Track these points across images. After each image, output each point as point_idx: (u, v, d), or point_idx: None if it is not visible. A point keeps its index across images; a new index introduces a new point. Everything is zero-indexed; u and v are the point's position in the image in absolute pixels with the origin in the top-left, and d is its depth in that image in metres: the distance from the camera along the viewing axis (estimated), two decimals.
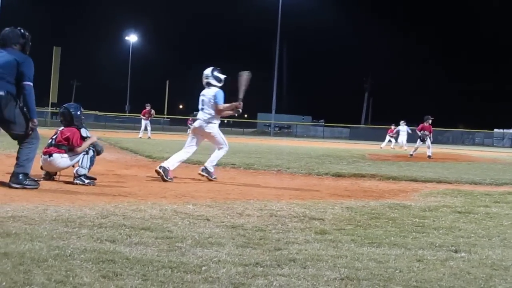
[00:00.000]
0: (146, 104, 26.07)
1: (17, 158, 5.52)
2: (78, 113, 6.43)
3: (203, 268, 2.76)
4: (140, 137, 24.29)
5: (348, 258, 3.15)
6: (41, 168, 6.33)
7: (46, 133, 8.68)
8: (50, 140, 6.34)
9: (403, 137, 25.85)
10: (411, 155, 17.03)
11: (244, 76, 7.50)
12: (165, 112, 63.67)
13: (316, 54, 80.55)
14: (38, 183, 5.58)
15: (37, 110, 5.69)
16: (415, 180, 8.46)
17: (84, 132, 6.30)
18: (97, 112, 58.68)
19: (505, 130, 54.05)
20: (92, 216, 4.05)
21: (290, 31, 66.94)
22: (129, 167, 9.08)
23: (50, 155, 6.13)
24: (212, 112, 7.26)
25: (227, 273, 2.69)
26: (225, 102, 7.38)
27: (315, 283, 2.63)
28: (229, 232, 3.76)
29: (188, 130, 18.41)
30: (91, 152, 6.29)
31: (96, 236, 3.37)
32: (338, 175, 8.87)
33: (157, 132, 33.25)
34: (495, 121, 55.81)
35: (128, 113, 61.84)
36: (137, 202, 4.96)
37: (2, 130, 5.63)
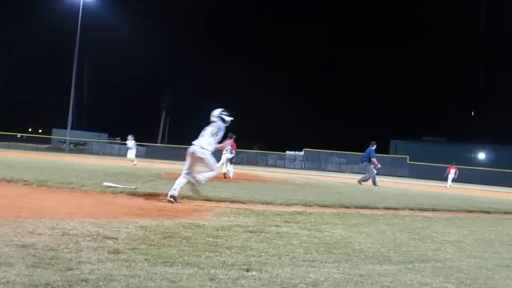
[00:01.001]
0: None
1: None
2: None
3: None
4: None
5: (141, 278, 3.21)
6: None
7: None
8: None
9: (131, 152, 27.83)
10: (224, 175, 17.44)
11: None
12: None
13: (115, 70, 78.82)
14: None
15: None
16: (209, 199, 8.80)
17: None
18: None
19: (296, 152, 60.56)
20: None
21: (91, 46, 64.73)
22: None
23: None
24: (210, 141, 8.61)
25: None
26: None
27: None
28: (19, 251, 3.71)
29: None
30: None
31: None
32: (133, 194, 8.84)
33: None
34: (288, 143, 62.13)
35: None
36: None
37: None
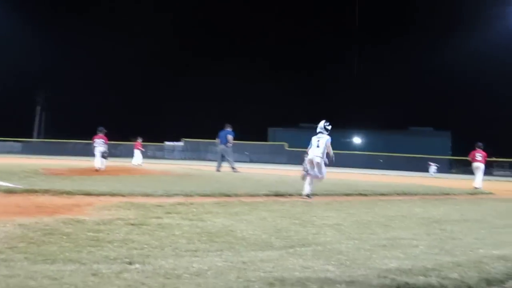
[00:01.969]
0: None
1: None
2: None
3: None
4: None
5: (22, 277, 3.14)
6: None
7: None
8: None
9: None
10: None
11: None
12: None
13: None
14: None
15: None
16: (89, 194, 8.58)
17: None
18: None
19: (175, 142, 60.17)
20: None
21: None
22: None
23: None
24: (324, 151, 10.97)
25: None
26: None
27: None
28: None
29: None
30: None
31: None
32: (10, 191, 8.37)
33: None
34: (165, 134, 61.51)
35: None
36: None
37: None
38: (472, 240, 5.83)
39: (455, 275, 3.89)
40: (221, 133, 21.17)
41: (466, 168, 59.31)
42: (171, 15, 79.43)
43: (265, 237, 5.30)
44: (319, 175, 10.91)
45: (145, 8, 76.21)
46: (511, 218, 8.57)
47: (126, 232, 5.04)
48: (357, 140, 74.64)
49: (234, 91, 75.43)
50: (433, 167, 44.78)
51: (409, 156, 56.37)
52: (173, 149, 59.66)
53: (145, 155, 57.44)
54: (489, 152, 19.21)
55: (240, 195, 9.82)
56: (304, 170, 11.13)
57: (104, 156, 18.55)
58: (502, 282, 3.89)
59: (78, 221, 5.54)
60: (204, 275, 3.54)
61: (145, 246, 4.42)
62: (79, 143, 53.24)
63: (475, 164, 18.85)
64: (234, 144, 21.73)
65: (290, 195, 10.64)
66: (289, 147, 59.29)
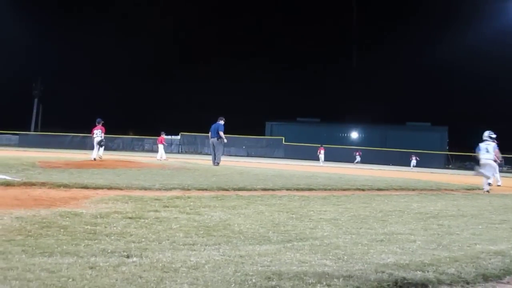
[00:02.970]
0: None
1: None
2: None
3: None
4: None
5: (20, 270, 3.14)
6: None
7: None
8: None
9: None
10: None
11: None
12: None
13: None
14: None
15: None
16: (86, 187, 8.59)
17: None
18: None
19: (173, 136, 60.20)
20: None
21: None
22: None
23: None
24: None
25: None
26: None
27: None
28: None
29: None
30: None
31: None
32: (7, 184, 8.38)
33: None
34: (163, 128, 61.56)
35: None
36: None
37: None
38: (469, 235, 5.84)
39: (452, 270, 3.89)
40: (213, 126, 20.92)
41: (463, 164, 59.67)
42: (171, 11, 79.36)
43: (263, 231, 5.30)
44: (489, 174, 14.33)
45: (145, 6, 76.05)
46: (508, 213, 8.59)
47: (123, 226, 5.03)
48: (354, 134, 74.66)
49: (232, 85, 75.45)
50: (413, 161, 46.55)
51: (388, 150, 56.76)
52: (170, 143, 59.75)
53: (142, 149, 57.64)
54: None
55: (238, 189, 9.82)
56: (479, 171, 14.47)
57: (100, 144, 18.63)
58: (499, 277, 3.90)
59: (76, 214, 5.54)
60: (202, 269, 3.54)
61: (143, 239, 4.42)
62: (76, 136, 53.26)
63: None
64: (230, 138, 21.58)
65: (288, 189, 10.60)
66: (286, 141, 59.35)
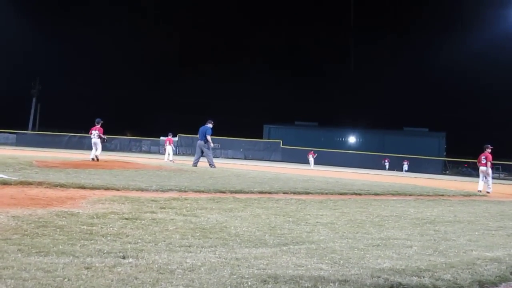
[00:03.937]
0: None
1: None
2: None
3: None
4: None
5: (15, 269, 3.14)
6: None
7: None
8: None
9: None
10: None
11: None
12: None
13: None
14: None
15: None
16: (83, 187, 8.55)
17: None
18: None
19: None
20: None
21: None
22: None
23: None
24: None
25: None
26: None
27: None
28: None
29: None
30: None
31: None
32: (4, 183, 8.36)
33: None
34: (161, 129, 61.57)
35: None
36: None
37: None
38: (465, 241, 5.85)
39: (448, 276, 3.90)
40: (201, 129, 20.63)
41: (459, 170, 59.80)
42: (170, 14, 79.48)
43: (259, 234, 5.30)
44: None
45: (143, 7, 76.13)
46: (504, 220, 8.60)
47: (120, 226, 5.03)
48: (352, 139, 74.75)
49: (230, 88, 75.50)
50: (405, 165, 48.07)
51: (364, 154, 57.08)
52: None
53: (140, 150, 57.59)
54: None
55: (234, 192, 9.81)
56: None
57: (103, 140, 18.72)
58: (495, 284, 3.91)
59: (72, 214, 5.53)
60: (198, 271, 3.54)
61: (139, 240, 4.41)
62: (73, 136, 53.21)
63: (481, 168, 18.38)
64: (228, 141, 21.55)
65: (285, 193, 10.60)
66: (284, 145, 59.36)
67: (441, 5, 76.85)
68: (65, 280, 2.96)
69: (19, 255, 3.51)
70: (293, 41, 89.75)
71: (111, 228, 4.87)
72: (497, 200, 13.90)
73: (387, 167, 51.88)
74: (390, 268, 4.04)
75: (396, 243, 5.34)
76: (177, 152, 57.44)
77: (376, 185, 15.69)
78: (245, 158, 54.70)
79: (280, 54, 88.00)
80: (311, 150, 46.05)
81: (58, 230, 4.57)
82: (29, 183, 8.54)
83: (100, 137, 19.36)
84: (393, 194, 12.54)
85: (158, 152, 54.67)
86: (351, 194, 11.69)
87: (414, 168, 52.06)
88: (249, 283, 3.31)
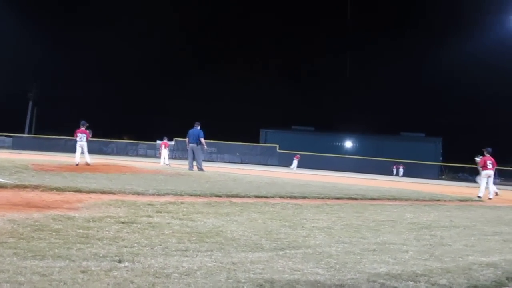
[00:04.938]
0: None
1: None
2: None
3: None
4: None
5: (11, 273, 3.14)
6: None
7: None
8: None
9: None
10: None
11: None
12: None
13: None
14: None
15: None
16: (79, 191, 8.55)
17: None
18: None
19: (168, 142, 60.13)
20: None
21: None
22: None
23: None
24: None
25: None
26: None
27: None
28: None
29: None
30: None
31: None
32: (0, 186, 8.38)
33: None
34: (157, 133, 61.60)
35: None
36: None
37: None
38: (461, 246, 5.87)
39: (444, 281, 3.90)
40: (191, 132, 20.71)
41: (456, 175, 59.91)
42: (172, 16, 79.64)
43: (255, 238, 5.30)
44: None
45: (138, 13, 76.25)
46: (500, 225, 8.62)
47: (116, 230, 5.02)
48: (348, 144, 74.81)
49: (227, 92, 75.56)
50: (401, 170, 49.01)
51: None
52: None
53: (136, 153, 57.55)
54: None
55: (231, 196, 9.80)
56: None
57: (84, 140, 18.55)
58: None
59: (68, 218, 5.53)
60: (194, 275, 3.54)
61: (135, 244, 4.41)
62: (70, 139, 53.09)
63: (488, 172, 17.92)
64: (225, 145, 21.57)
65: (282, 197, 10.60)
66: (280, 149, 59.34)
67: (438, 11, 77.23)
68: (61, 284, 2.96)
69: (15, 258, 3.51)
70: (289, 44, 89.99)
71: (107, 232, 4.87)
72: (494, 206, 13.94)
73: (401, 173, 51.86)
74: (386, 273, 4.05)
75: (392, 248, 5.35)
76: (173, 156, 57.49)
77: (372, 189, 15.69)
78: (242, 163, 54.67)
79: (276, 57, 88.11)
80: (297, 154, 47.68)
81: (54, 233, 4.57)
82: (25, 187, 8.54)
83: (87, 139, 19.04)
84: (389, 199, 12.55)
85: (155, 156, 54.59)
86: (347, 198, 11.67)
87: (411, 173, 52.11)
88: (245, 287, 3.32)
